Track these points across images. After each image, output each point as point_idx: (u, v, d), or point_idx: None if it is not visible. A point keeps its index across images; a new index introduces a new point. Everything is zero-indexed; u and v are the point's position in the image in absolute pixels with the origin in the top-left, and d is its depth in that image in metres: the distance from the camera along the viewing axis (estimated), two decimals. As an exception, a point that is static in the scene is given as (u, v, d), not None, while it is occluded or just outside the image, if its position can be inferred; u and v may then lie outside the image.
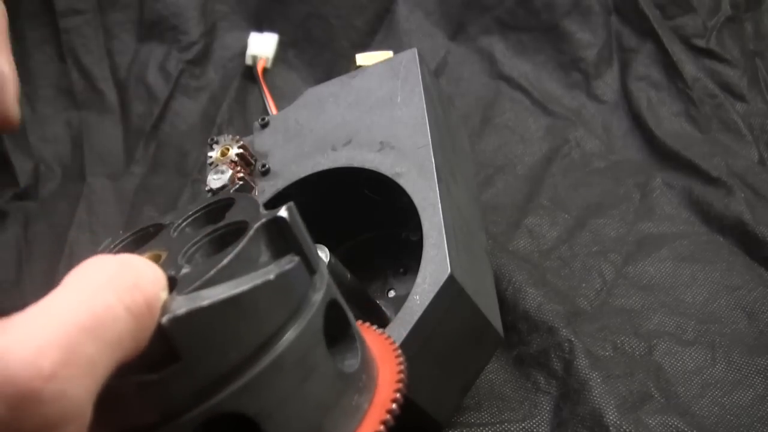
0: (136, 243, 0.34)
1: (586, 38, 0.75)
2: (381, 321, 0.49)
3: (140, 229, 0.35)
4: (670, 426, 0.47)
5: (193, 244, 0.30)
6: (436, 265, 0.43)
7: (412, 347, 0.42)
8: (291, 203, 0.29)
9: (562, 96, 0.75)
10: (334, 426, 0.28)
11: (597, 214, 0.64)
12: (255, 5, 0.79)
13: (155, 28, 0.78)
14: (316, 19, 0.78)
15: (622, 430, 0.46)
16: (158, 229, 0.34)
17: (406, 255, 0.52)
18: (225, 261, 0.26)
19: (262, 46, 0.78)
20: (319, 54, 0.78)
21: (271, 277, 0.26)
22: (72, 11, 0.77)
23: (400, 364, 0.31)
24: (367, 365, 0.31)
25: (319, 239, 0.44)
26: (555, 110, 0.74)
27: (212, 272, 0.25)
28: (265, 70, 0.77)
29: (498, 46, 0.77)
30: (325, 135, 0.53)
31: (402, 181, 0.47)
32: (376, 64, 0.55)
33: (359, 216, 0.53)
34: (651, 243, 0.61)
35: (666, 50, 0.73)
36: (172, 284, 0.26)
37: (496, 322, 0.49)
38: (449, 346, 0.45)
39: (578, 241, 0.62)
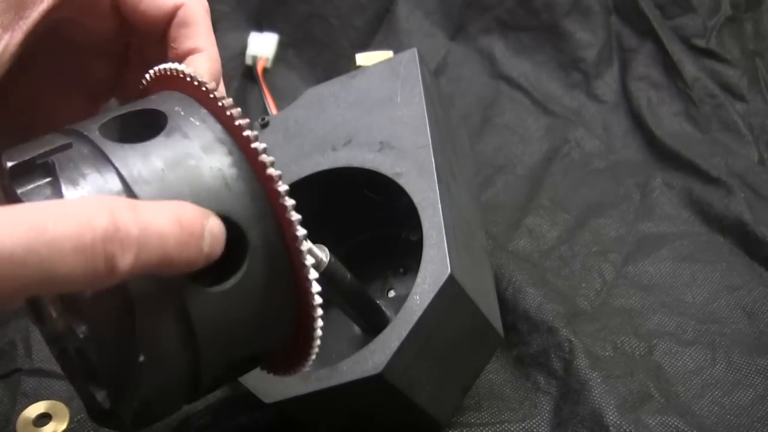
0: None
1: (586, 38, 0.75)
2: (381, 321, 0.49)
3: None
4: (670, 426, 0.47)
5: None
6: (436, 265, 0.43)
7: (412, 347, 0.42)
8: None
9: (562, 96, 0.75)
10: None
11: (597, 214, 0.64)
12: (255, 5, 0.79)
13: (155, 28, 0.78)
14: (316, 19, 0.78)
15: (622, 430, 0.46)
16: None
17: (406, 255, 0.52)
18: None
19: (262, 46, 0.78)
20: (319, 54, 0.78)
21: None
22: (72, 11, 0.77)
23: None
24: None
25: (319, 239, 0.44)
26: (555, 110, 0.74)
27: None
28: (265, 70, 0.77)
29: (498, 46, 0.77)
30: (325, 135, 0.53)
31: (402, 181, 0.47)
32: (376, 64, 0.55)
33: (359, 216, 0.53)
34: (651, 243, 0.61)
35: (666, 50, 0.73)
36: None
37: (496, 322, 0.49)
38: (449, 346, 0.45)
39: (578, 241, 0.62)
